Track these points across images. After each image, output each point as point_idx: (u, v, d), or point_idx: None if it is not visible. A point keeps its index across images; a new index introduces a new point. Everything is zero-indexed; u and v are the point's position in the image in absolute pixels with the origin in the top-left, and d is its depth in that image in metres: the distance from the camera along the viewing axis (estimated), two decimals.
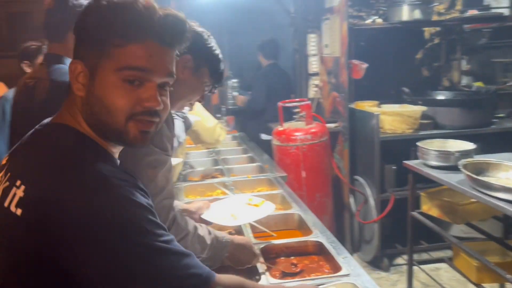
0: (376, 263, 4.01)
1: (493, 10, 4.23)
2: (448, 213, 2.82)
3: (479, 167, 2.47)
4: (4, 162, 1.03)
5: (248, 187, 3.23)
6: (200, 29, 1.73)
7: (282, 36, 4.97)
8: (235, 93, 5.63)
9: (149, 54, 0.95)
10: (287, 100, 3.92)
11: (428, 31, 4.47)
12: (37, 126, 1.04)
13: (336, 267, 1.96)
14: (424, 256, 4.07)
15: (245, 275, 1.91)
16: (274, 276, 1.89)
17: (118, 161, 1.06)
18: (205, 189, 3.18)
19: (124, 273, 0.88)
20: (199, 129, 3.28)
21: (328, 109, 4.47)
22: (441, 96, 4.19)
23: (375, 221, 3.81)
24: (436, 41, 4.45)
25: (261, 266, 1.93)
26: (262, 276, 1.85)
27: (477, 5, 4.31)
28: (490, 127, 3.86)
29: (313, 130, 3.78)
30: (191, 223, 1.62)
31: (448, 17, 4.16)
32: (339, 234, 4.29)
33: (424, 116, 3.83)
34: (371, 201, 3.86)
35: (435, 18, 4.18)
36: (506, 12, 4.19)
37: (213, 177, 3.56)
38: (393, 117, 3.77)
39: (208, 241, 1.63)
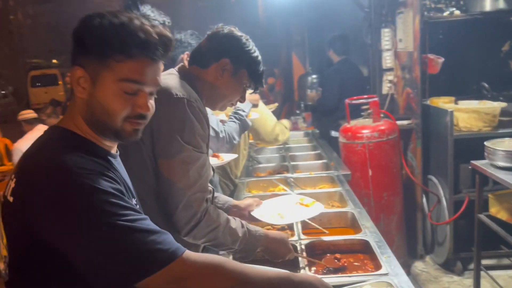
0: (448, 266, 3.83)
1: None
2: None
3: None
4: None
5: (309, 184, 3.28)
6: (238, 33, 1.83)
7: (354, 31, 4.89)
8: (309, 90, 5.65)
9: (144, 69, 1.12)
10: (355, 97, 3.87)
11: None
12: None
13: (378, 266, 1.96)
14: (506, 261, 3.80)
15: (286, 268, 1.99)
16: (316, 272, 1.93)
17: (118, 154, 1.25)
18: (268, 184, 3.28)
19: (91, 250, 1.03)
20: (258, 127, 3.37)
21: (402, 105, 4.34)
22: None
23: (447, 223, 3.64)
24: None
25: (302, 261, 1.99)
26: (302, 271, 1.91)
27: None
28: None
29: (381, 127, 3.70)
30: (224, 216, 1.72)
31: None
32: (411, 234, 4.16)
33: (505, 113, 3.58)
34: (444, 202, 3.69)
35: None
36: None
37: (279, 173, 3.66)
38: (469, 114, 3.56)
39: (240, 234, 1.72)
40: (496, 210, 2.71)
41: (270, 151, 4.34)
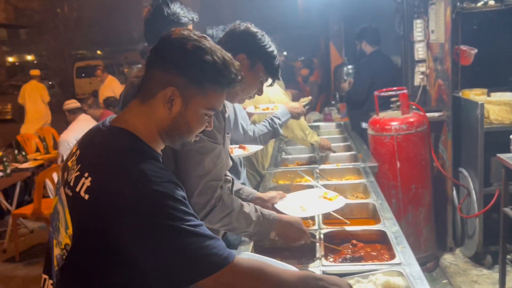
0: (478, 260, 3.81)
1: None
2: None
3: None
4: (74, 150, 1.33)
5: (336, 176, 3.35)
6: (254, 29, 1.94)
7: (386, 23, 4.87)
8: (343, 81, 5.66)
9: (223, 98, 1.36)
10: (384, 89, 3.88)
11: None
12: (100, 126, 1.32)
13: (393, 256, 2.02)
14: None
15: (302, 257, 2.08)
16: (334, 261, 2.02)
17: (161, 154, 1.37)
18: (294, 175, 3.37)
19: (157, 250, 1.14)
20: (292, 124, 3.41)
21: (434, 97, 4.31)
22: None
23: (476, 216, 3.62)
24: None
25: (319, 250, 2.07)
26: (317, 261, 1.99)
27: None
28: None
29: (410, 119, 3.70)
30: (238, 201, 1.84)
31: None
32: (441, 227, 4.15)
33: None
34: (474, 195, 3.67)
35: None
36: None
37: (307, 164, 3.74)
38: (500, 107, 3.51)
39: (254, 218, 1.84)
40: None
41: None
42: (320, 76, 10.72)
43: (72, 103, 5.90)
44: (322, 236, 2.23)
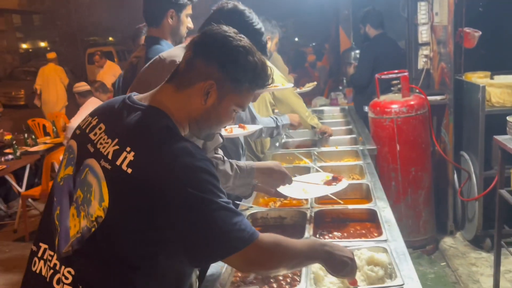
0: (477, 243, 3.83)
1: None
2: None
3: None
4: (94, 122, 1.35)
5: (334, 158, 3.38)
6: (241, 7, 1.96)
7: (391, 6, 4.82)
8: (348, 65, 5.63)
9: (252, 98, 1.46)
10: (385, 72, 3.88)
11: None
12: (127, 101, 1.36)
13: (381, 234, 2.05)
14: None
15: (293, 237, 2.12)
16: (314, 236, 2.06)
17: None
18: (294, 157, 3.40)
19: (193, 220, 1.19)
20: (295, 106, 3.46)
21: (437, 80, 4.29)
22: None
23: (476, 199, 3.62)
24: None
25: (307, 230, 2.11)
26: (306, 234, 2.04)
27: None
28: None
29: (410, 102, 3.70)
30: (215, 163, 1.90)
31: None
32: (442, 210, 4.17)
33: None
34: (474, 178, 3.67)
35: None
36: None
37: (307, 147, 3.77)
38: (502, 89, 3.49)
39: (231, 172, 1.92)
40: None
41: None
42: (329, 61, 10.67)
43: (82, 86, 5.95)
44: (313, 215, 2.27)
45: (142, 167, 1.20)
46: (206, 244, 1.22)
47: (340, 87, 8.02)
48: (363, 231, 2.21)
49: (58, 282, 1.24)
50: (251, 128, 2.71)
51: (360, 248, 1.87)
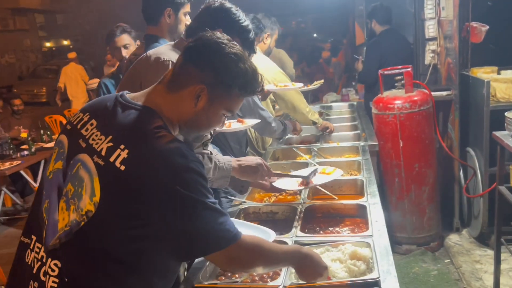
0: (482, 240, 3.78)
1: None
2: None
3: None
4: (85, 118, 1.38)
5: (335, 154, 3.38)
6: (228, 5, 2.00)
7: (399, 1, 4.78)
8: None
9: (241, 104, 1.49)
10: (388, 68, 3.85)
11: None
12: (119, 99, 1.39)
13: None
14: None
15: (283, 230, 2.14)
16: (302, 231, 2.08)
17: None
18: (295, 154, 3.41)
19: (181, 219, 1.25)
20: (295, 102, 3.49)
21: (444, 76, 4.23)
22: None
23: (480, 196, 3.58)
24: None
25: (296, 226, 2.13)
26: (292, 232, 2.06)
27: None
28: None
29: (414, 98, 3.66)
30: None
31: None
32: (448, 207, 4.12)
33: None
34: (479, 174, 3.62)
35: None
36: None
37: (310, 143, 3.78)
38: (507, 85, 3.43)
39: (210, 164, 1.98)
40: None
41: None
42: (344, 57, 10.60)
43: (94, 83, 6.08)
44: (303, 209, 2.29)
45: (135, 165, 1.24)
46: (191, 241, 1.28)
47: (353, 83, 7.99)
48: (352, 227, 2.22)
49: (44, 274, 1.28)
50: (249, 123, 2.75)
51: (344, 243, 1.89)
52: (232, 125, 2.66)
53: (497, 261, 2.89)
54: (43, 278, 1.27)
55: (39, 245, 1.33)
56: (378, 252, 1.80)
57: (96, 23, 20.93)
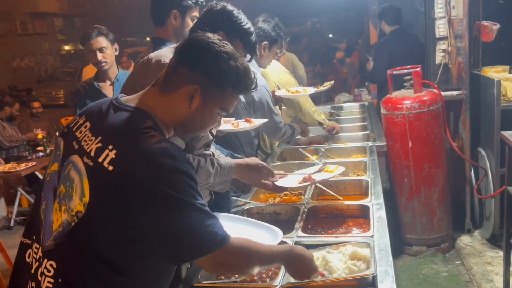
0: (495, 241, 3.72)
1: None
2: None
3: None
4: (81, 121, 1.40)
5: (343, 154, 3.37)
6: (230, 7, 2.02)
7: (407, 1, 4.75)
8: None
9: (236, 102, 1.49)
10: (397, 68, 3.83)
11: None
12: (114, 102, 1.40)
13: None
14: None
15: (285, 230, 2.15)
16: (304, 231, 2.09)
17: None
18: (302, 154, 3.41)
19: (168, 220, 1.24)
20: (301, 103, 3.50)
21: (455, 75, 4.19)
22: None
23: (492, 196, 3.53)
24: None
25: (297, 226, 2.13)
26: (293, 232, 2.07)
27: None
28: None
29: (423, 98, 3.63)
30: (196, 160, 1.96)
31: None
32: (460, 208, 4.07)
33: None
34: (490, 175, 3.58)
35: None
36: None
37: (319, 143, 3.77)
38: None
39: (212, 170, 1.98)
40: None
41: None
42: (359, 57, 10.55)
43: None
44: (306, 210, 2.30)
45: (123, 165, 1.24)
46: (179, 243, 1.26)
47: (366, 83, 7.94)
48: (355, 227, 2.22)
49: (41, 275, 1.30)
50: (257, 122, 2.77)
51: (345, 245, 1.89)
52: (240, 125, 2.67)
53: (507, 263, 2.85)
54: (39, 278, 1.30)
55: (37, 246, 1.36)
56: (378, 252, 1.80)
57: (113, 26, 21.30)
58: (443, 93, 3.80)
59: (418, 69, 3.66)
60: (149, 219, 1.23)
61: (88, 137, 1.34)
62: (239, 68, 1.40)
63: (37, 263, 1.33)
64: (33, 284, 1.31)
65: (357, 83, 8.67)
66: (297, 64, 5.17)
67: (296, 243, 1.96)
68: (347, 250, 1.85)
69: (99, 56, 3.34)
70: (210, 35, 1.43)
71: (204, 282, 1.74)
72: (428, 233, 3.79)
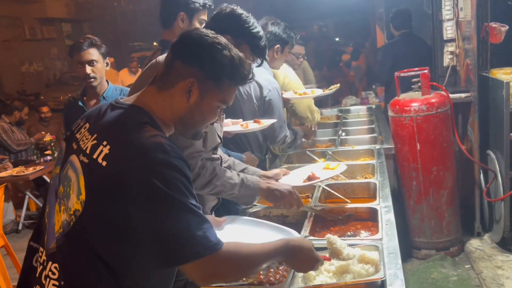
0: (505, 245, 3.68)
1: None
2: None
3: None
4: (81, 123, 1.40)
5: (350, 157, 3.36)
6: (239, 11, 2.01)
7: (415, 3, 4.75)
8: None
9: (234, 94, 1.46)
10: (404, 70, 3.81)
11: None
12: (113, 103, 1.42)
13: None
14: None
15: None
16: (312, 234, 2.07)
17: None
18: (309, 157, 3.40)
19: (157, 217, 1.18)
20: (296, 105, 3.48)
21: (463, 77, 4.16)
22: None
23: (501, 199, 3.49)
24: None
25: (305, 228, 2.12)
26: (302, 233, 2.06)
27: None
28: None
29: (431, 100, 3.61)
30: (221, 169, 1.97)
31: None
32: (469, 211, 4.04)
33: None
34: (499, 178, 3.54)
35: None
36: None
37: (327, 146, 3.76)
38: None
39: (237, 181, 1.97)
40: None
41: (324, 126, 4.43)
42: (365, 61, 10.52)
43: None
44: (313, 213, 2.28)
45: (116, 160, 1.23)
46: (165, 244, 1.19)
47: (373, 86, 7.91)
48: (363, 230, 2.20)
49: (45, 278, 1.30)
50: (266, 123, 2.76)
51: (354, 247, 1.87)
52: (249, 125, 2.67)
53: None
54: (43, 282, 1.29)
55: (42, 249, 1.36)
56: (387, 255, 1.78)
57: (120, 30, 21.37)
58: (451, 95, 3.78)
59: (426, 71, 3.64)
60: (138, 215, 1.19)
61: (85, 136, 1.34)
62: (233, 58, 1.38)
63: (41, 266, 1.33)
64: (38, 287, 1.30)
65: (364, 86, 8.65)
66: (308, 69, 5.19)
67: None
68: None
69: (88, 69, 3.03)
70: (203, 29, 1.43)
71: (211, 284, 1.72)
72: (437, 236, 3.76)
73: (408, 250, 3.87)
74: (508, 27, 3.75)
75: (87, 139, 1.32)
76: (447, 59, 4.28)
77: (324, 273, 1.75)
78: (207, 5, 2.67)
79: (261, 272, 1.81)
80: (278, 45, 3.12)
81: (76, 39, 3.76)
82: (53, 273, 1.28)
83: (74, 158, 1.33)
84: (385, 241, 1.91)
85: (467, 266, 3.63)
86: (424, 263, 3.71)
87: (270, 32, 3.07)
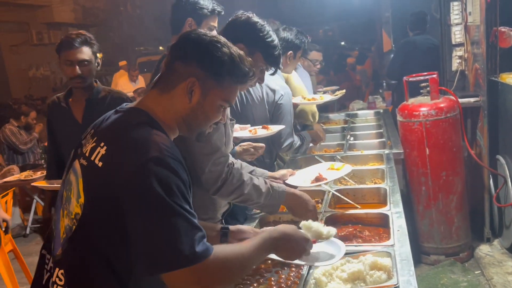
0: None
1: None
2: None
3: None
4: (89, 130, 1.40)
5: (359, 162, 3.34)
6: (254, 19, 2.01)
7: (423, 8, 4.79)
8: None
9: (237, 92, 1.45)
10: (413, 75, 3.79)
11: None
12: (117, 108, 1.42)
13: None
14: None
15: None
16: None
17: None
18: (318, 162, 3.38)
19: (146, 219, 1.15)
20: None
21: (472, 82, 4.14)
22: None
23: (511, 205, 3.47)
24: None
25: None
26: None
27: None
28: None
29: (440, 105, 3.60)
30: (248, 175, 1.95)
31: None
32: (479, 217, 4.01)
33: None
34: (509, 183, 3.51)
35: None
36: None
37: (335, 151, 3.74)
38: None
39: (263, 189, 1.95)
40: None
41: (333, 130, 4.42)
42: (372, 65, 10.51)
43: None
44: (324, 219, 2.27)
45: (111, 160, 1.22)
46: (149, 248, 1.15)
47: (380, 90, 7.90)
48: (374, 236, 2.19)
49: (52, 284, 1.29)
50: (274, 129, 2.76)
51: (365, 254, 1.86)
52: (258, 131, 2.66)
53: None
54: None
55: (49, 257, 1.36)
56: (399, 262, 1.76)
57: (126, 35, 21.48)
58: (460, 100, 3.76)
59: (434, 75, 3.63)
60: (127, 215, 1.17)
61: (88, 141, 1.35)
62: (233, 55, 1.37)
63: (48, 273, 1.33)
64: None
65: (371, 90, 8.64)
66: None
67: None
68: (367, 260, 1.81)
69: (78, 70, 2.67)
70: (201, 30, 1.44)
71: None
72: (446, 241, 3.73)
73: (417, 256, 3.84)
74: None
75: (88, 143, 1.33)
76: (455, 64, 4.27)
77: (336, 280, 1.74)
78: (216, 11, 2.66)
79: (272, 279, 1.80)
80: (291, 52, 3.12)
81: None
82: (60, 279, 1.28)
83: (75, 162, 1.34)
84: (397, 247, 1.90)
85: (477, 272, 3.60)
86: (434, 269, 3.68)
87: (282, 38, 3.06)
